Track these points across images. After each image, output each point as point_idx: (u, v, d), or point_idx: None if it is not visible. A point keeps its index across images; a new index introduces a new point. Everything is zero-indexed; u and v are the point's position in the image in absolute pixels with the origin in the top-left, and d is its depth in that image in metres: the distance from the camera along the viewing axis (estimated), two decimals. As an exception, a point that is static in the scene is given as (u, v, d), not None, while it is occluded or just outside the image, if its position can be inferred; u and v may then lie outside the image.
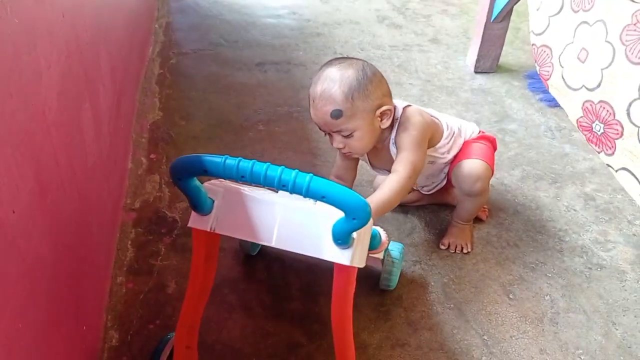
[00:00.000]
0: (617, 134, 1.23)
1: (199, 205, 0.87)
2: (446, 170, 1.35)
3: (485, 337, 1.16)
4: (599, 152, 1.30)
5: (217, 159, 0.78)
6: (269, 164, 0.77)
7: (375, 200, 1.12)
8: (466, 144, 1.32)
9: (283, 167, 0.76)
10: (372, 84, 1.11)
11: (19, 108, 0.68)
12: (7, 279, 0.63)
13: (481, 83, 2.07)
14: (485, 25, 2.01)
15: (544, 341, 1.16)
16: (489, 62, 2.10)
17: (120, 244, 1.31)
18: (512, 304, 1.24)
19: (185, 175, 0.81)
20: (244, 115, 1.81)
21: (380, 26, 2.46)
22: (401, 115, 1.20)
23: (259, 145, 1.67)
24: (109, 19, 1.38)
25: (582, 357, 1.13)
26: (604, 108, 1.25)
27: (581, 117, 1.34)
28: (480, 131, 1.37)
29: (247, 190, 0.88)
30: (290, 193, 0.76)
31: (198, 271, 0.95)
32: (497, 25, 2.01)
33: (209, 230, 0.89)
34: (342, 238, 0.81)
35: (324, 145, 1.67)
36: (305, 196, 0.76)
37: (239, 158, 0.78)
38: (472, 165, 1.27)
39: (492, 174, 1.31)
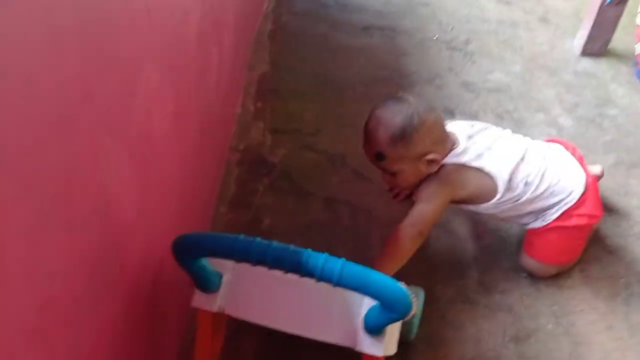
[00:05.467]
0: None
1: (205, 284, 0.77)
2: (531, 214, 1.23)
3: (554, 308, 1.21)
4: None
5: (228, 239, 0.67)
6: (292, 246, 0.67)
7: (383, 260, 1.09)
8: (539, 232, 1.22)
9: (309, 250, 0.67)
10: (418, 133, 1.10)
11: (171, 43, 0.81)
12: (150, 181, 0.77)
13: (586, 66, 2.03)
14: (599, 8, 1.96)
15: (613, 319, 1.19)
16: (597, 46, 2.05)
17: (224, 179, 1.46)
18: (586, 281, 1.27)
19: (190, 256, 0.72)
20: (346, 75, 1.89)
21: (489, 1, 2.45)
22: (440, 169, 1.14)
23: (357, 105, 1.75)
24: (235, -27, 1.49)
25: (650, 340, 1.16)
26: None
27: None
28: (582, 195, 1.20)
29: None
30: (318, 281, 0.66)
31: (204, 352, 0.85)
32: (613, 9, 1.95)
33: (216, 311, 0.79)
34: (375, 330, 0.74)
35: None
36: (335, 285, 0.66)
37: (256, 238, 0.68)
38: (539, 267, 1.25)
39: (575, 260, 1.27)
